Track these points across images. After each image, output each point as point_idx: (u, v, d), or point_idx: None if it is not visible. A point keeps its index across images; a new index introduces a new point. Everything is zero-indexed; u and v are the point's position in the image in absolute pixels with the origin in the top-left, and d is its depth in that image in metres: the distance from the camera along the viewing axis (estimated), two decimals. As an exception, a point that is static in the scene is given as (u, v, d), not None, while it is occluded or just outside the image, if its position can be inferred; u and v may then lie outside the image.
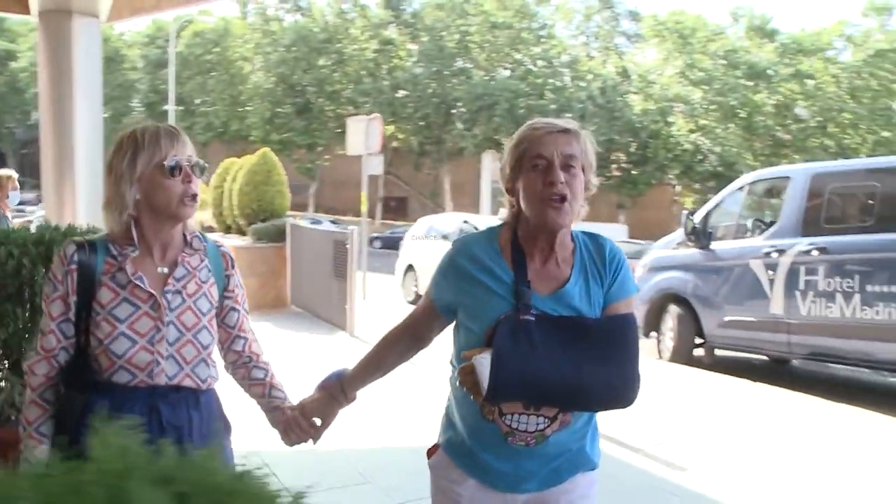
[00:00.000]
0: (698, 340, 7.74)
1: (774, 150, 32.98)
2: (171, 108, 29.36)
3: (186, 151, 1.76)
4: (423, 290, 8.59)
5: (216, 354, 1.89)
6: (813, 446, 4.81)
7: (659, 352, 8.02)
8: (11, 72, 41.36)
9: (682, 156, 32.36)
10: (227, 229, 12.61)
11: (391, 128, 35.13)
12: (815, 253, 6.59)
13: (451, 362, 1.75)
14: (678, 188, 35.72)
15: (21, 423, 1.81)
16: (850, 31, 33.86)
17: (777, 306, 6.80)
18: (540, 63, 36.60)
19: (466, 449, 1.71)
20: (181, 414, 1.78)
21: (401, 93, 35.66)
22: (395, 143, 35.83)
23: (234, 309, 1.92)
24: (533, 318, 1.59)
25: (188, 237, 1.84)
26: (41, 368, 1.77)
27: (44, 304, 1.81)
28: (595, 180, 1.67)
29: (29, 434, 1.76)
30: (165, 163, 1.72)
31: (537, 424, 1.61)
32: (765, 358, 8.02)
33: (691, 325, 7.67)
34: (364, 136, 12.24)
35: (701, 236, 7.70)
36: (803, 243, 6.72)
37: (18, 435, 1.81)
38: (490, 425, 1.64)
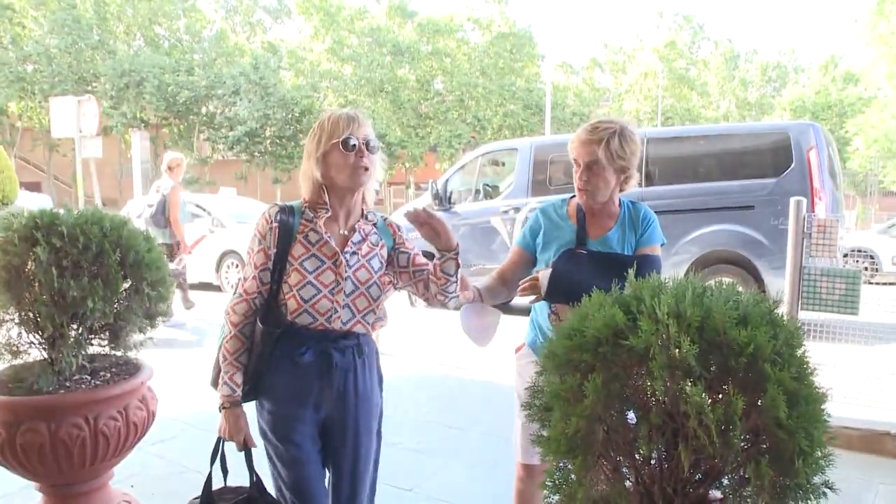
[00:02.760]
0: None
1: (420, 122, 38.89)
2: None
3: (363, 132, 2.28)
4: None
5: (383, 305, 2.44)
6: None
7: (411, 301, 10.10)
8: None
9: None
10: None
11: (20, 106, 34.78)
12: None
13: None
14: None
15: (221, 353, 2.32)
16: (476, 15, 41.14)
17: None
18: (183, 37, 38.39)
19: (538, 345, 2.56)
20: (348, 359, 2.32)
21: (30, 67, 35.14)
22: (22, 124, 35.26)
23: (404, 252, 2.48)
24: (585, 252, 2.59)
25: (364, 210, 2.42)
26: (241, 308, 2.30)
27: (248, 255, 2.35)
28: (634, 171, 2.66)
29: (230, 362, 2.30)
30: (341, 140, 2.23)
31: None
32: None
33: None
34: (75, 118, 12.76)
35: (443, 199, 9.83)
36: (533, 201, 8.75)
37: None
38: (552, 325, 2.58)
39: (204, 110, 36.67)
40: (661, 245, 2.70)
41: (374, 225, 2.44)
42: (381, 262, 2.39)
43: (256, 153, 36.59)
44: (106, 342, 3.44)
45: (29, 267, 3.12)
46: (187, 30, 38.66)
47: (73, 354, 3.27)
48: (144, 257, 3.39)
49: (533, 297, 2.59)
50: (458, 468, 4.23)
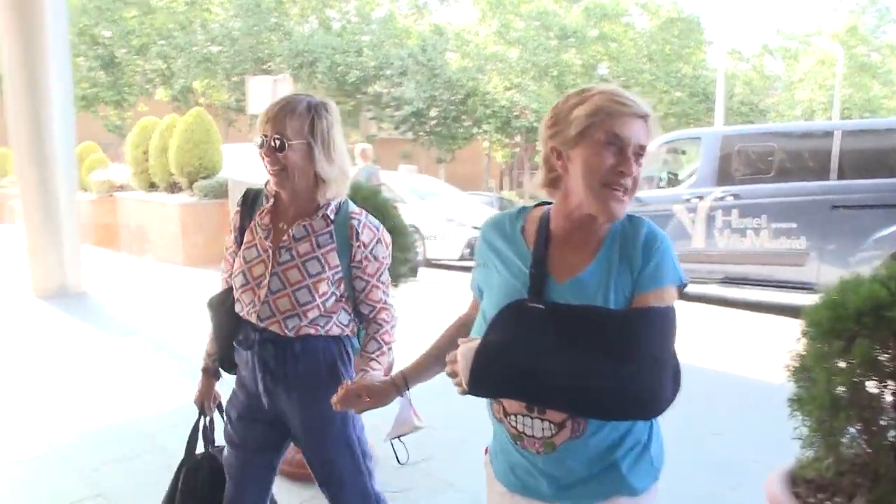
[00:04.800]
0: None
1: (583, 108, 39.19)
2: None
3: (277, 127, 2.20)
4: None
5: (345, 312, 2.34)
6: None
7: None
8: None
9: (499, 111, 37.52)
10: (151, 186, 13.84)
11: (202, 84, 37.60)
12: (729, 198, 9.12)
13: None
14: (487, 144, 41.28)
15: None
16: (644, 0, 41.00)
17: (698, 242, 9.37)
18: (353, 19, 40.23)
19: (493, 451, 1.81)
20: (268, 351, 2.30)
21: (215, 48, 37.89)
22: (203, 101, 37.99)
23: (360, 278, 2.31)
24: (542, 307, 1.59)
25: (323, 205, 2.28)
26: (221, 286, 2.46)
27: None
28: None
29: (209, 335, 2.52)
30: (255, 140, 2.26)
31: (543, 430, 1.59)
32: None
33: None
34: (270, 96, 13.51)
35: None
36: (718, 191, 9.25)
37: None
38: (500, 426, 1.70)
39: (371, 90, 38.43)
40: (680, 286, 1.65)
41: (331, 222, 2.31)
42: (324, 267, 2.27)
43: (421, 133, 38.15)
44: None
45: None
46: (357, 12, 40.54)
47: None
48: (395, 223, 3.81)
49: (457, 388, 1.65)
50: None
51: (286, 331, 2.27)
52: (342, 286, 2.31)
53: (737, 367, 6.40)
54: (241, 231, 2.40)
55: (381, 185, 8.95)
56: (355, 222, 2.30)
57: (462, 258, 13.47)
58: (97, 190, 15.33)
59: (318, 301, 2.25)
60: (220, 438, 2.57)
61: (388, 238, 2.39)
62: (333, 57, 36.68)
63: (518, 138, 40.67)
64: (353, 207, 2.35)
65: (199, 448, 2.64)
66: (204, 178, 12.61)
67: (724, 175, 9.41)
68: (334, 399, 1.97)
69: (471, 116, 38.41)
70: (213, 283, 2.57)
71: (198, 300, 2.91)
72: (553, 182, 1.67)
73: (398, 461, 2.15)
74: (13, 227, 15.68)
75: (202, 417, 2.58)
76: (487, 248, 1.77)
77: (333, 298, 2.30)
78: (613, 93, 1.59)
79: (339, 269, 2.29)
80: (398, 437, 2.11)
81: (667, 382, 1.57)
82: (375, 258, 2.33)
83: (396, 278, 3.81)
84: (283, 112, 2.22)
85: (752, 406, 5.32)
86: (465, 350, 1.60)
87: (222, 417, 2.56)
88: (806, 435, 2.18)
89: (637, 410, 1.58)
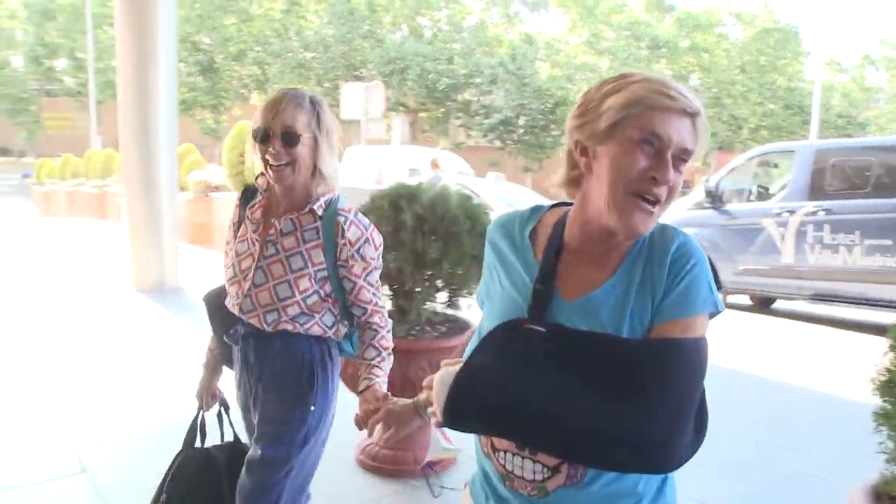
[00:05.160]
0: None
1: (673, 119, 38.73)
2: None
3: (284, 118, 2.15)
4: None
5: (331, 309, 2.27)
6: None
7: None
8: None
9: (586, 122, 37.34)
10: None
11: (298, 90, 38.63)
12: (821, 213, 8.87)
13: None
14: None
15: None
16: (737, 10, 40.26)
17: (788, 257, 9.15)
18: (445, 28, 40.94)
19: (477, 487, 1.52)
20: (250, 343, 2.30)
21: (309, 55, 38.95)
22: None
23: (347, 278, 2.23)
24: (543, 330, 1.33)
25: (312, 200, 2.24)
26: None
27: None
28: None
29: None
30: (252, 130, 2.21)
31: (534, 472, 1.35)
32: (749, 301, 10.67)
33: None
34: (363, 101, 14.48)
35: (716, 198, 10.01)
36: (810, 205, 9.00)
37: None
38: (488, 461, 1.45)
39: (460, 98, 38.87)
40: (714, 313, 1.36)
41: (318, 218, 2.25)
42: (306, 263, 2.22)
43: (509, 141, 38.41)
44: (444, 300, 3.97)
45: (393, 230, 3.63)
46: (449, 20, 41.11)
47: (422, 307, 3.85)
48: (487, 228, 4.04)
49: (432, 418, 1.42)
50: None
51: (265, 325, 2.24)
52: (327, 285, 2.25)
53: (818, 383, 6.36)
54: (237, 225, 2.38)
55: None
56: (342, 219, 2.23)
57: None
58: (194, 190, 16.03)
59: (299, 297, 2.20)
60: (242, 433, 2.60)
61: (378, 239, 2.30)
62: (424, 64, 37.37)
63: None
64: (342, 204, 2.28)
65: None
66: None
67: (816, 189, 9.20)
68: (356, 419, 1.85)
69: (559, 126, 38.44)
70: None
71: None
72: (575, 181, 1.41)
73: (431, 493, 1.88)
74: (117, 224, 16.47)
75: (199, 412, 2.59)
76: (492, 251, 1.53)
77: (317, 297, 2.24)
78: (658, 82, 1.30)
79: (324, 266, 2.23)
80: (431, 464, 1.76)
81: (686, 429, 1.30)
82: (363, 258, 2.24)
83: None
84: (291, 105, 2.18)
85: (830, 422, 5.31)
86: (444, 375, 1.36)
87: (225, 412, 2.60)
88: (891, 449, 2.19)
89: (646, 463, 1.30)
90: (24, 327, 7.31)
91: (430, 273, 3.77)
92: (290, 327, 2.23)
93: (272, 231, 2.26)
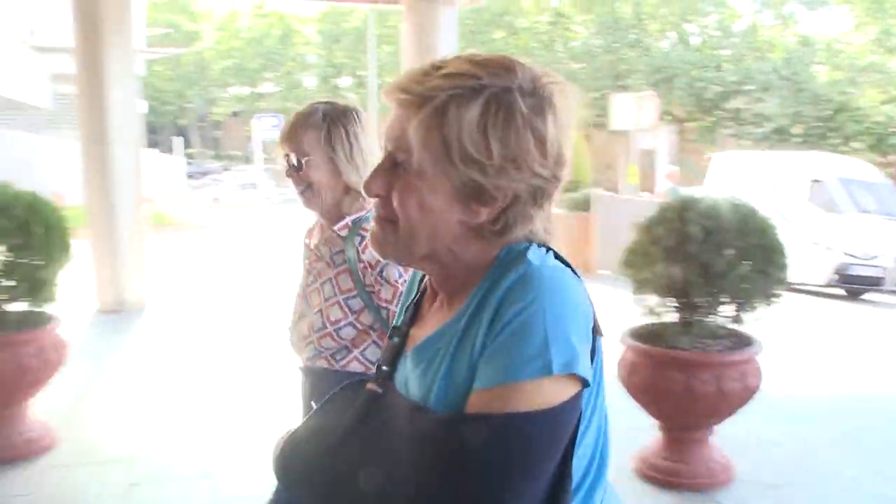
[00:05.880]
0: None
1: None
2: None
3: (291, 145, 2.06)
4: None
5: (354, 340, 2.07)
6: None
7: None
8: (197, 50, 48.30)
9: (873, 128, 34.70)
10: None
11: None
12: None
13: None
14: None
15: None
16: None
17: None
18: (713, 33, 39.64)
19: None
20: (301, 379, 2.18)
21: (576, 65, 39.47)
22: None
23: (380, 306, 2.00)
24: (380, 392, 1.13)
25: (346, 216, 2.07)
26: None
27: None
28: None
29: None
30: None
31: None
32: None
33: None
34: (635, 112, 14.91)
35: None
36: None
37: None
38: None
39: (730, 106, 37.62)
40: (577, 376, 0.95)
41: (343, 239, 2.07)
42: (335, 290, 2.05)
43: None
44: (727, 314, 3.96)
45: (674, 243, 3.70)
46: (718, 25, 39.87)
47: (705, 320, 3.91)
48: (772, 240, 3.87)
49: None
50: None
51: (304, 360, 2.13)
52: (364, 315, 2.04)
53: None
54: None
55: None
56: (357, 239, 2.03)
57: (829, 284, 13.06)
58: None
59: (331, 329, 2.03)
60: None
61: None
62: (691, 72, 36.59)
63: (893, 157, 37.19)
64: (367, 221, 2.01)
65: None
66: (570, 191, 12.98)
67: None
68: None
69: (839, 133, 36.04)
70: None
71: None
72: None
73: None
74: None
75: None
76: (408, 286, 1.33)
77: (352, 329, 2.04)
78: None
79: (354, 293, 2.03)
80: None
81: None
82: (387, 281, 1.99)
83: (768, 297, 3.85)
84: (295, 127, 2.06)
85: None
86: (285, 433, 1.23)
87: None
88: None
89: None
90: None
91: (714, 286, 3.80)
92: (325, 364, 2.08)
93: (314, 257, 2.17)
